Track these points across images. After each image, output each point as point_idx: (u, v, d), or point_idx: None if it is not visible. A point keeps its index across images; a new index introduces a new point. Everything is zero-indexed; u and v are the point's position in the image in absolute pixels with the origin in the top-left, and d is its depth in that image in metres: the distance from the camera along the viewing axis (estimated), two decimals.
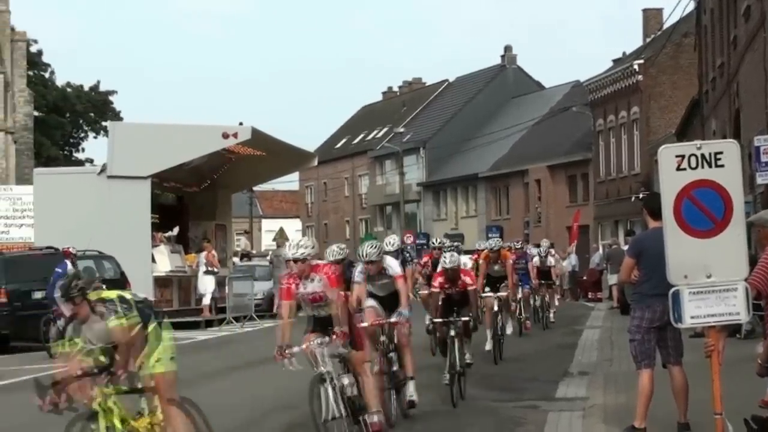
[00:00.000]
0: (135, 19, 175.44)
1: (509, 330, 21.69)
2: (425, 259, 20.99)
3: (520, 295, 24.34)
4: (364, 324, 12.65)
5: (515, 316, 24.27)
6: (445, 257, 15.70)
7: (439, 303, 15.26)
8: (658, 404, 10.72)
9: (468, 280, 15.44)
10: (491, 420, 13.09)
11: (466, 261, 18.91)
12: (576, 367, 18.12)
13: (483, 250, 21.74)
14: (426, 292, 19.63)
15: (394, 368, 13.10)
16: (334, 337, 11.24)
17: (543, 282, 27.02)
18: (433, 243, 20.28)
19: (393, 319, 13.04)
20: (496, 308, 19.87)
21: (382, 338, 13.00)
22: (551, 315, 28.02)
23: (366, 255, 13.01)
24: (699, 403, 10.17)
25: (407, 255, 17.54)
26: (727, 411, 9.23)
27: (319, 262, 11.83)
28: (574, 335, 24.43)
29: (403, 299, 13.10)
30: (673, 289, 9.38)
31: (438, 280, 15.41)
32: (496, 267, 20.58)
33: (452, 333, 14.71)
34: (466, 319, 15.06)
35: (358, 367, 11.76)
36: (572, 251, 45.67)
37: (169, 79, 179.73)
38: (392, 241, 17.25)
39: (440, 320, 15.04)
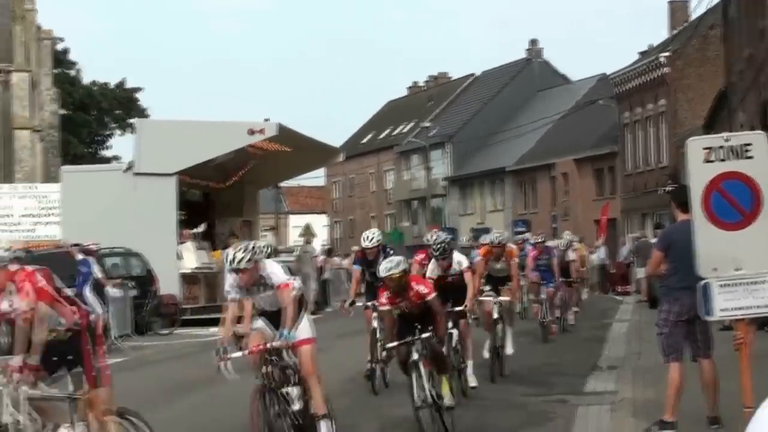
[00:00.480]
0: (160, 16, 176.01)
1: (509, 350, 17.02)
2: (421, 256, 16.77)
3: (543, 295, 22.54)
4: (237, 354, 10.41)
5: (539, 319, 22.48)
6: (382, 264, 12.08)
7: (393, 323, 11.83)
8: (688, 398, 10.67)
9: (422, 289, 11.82)
10: (520, 414, 13.08)
11: (461, 260, 14.82)
12: (604, 360, 18.07)
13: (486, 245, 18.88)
14: None
15: (295, 407, 10.38)
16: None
17: (562, 280, 23.92)
18: (428, 239, 16.83)
19: (275, 344, 10.30)
20: (496, 315, 16.74)
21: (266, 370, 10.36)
22: (571, 317, 25.44)
23: (233, 262, 10.21)
24: (729, 396, 10.13)
25: (390, 251, 15.26)
26: (756, 404, 9.18)
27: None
28: (603, 329, 24.37)
29: (288, 314, 10.23)
30: (702, 282, 9.34)
31: (384, 296, 11.78)
32: (498, 265, 17.43)
33: (414, 356, 11.51)
34: (427, 335, 11.60)
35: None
36: (601, 244, 45.57)
37: (195, 75, 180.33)
38: (370, 235, 15.50)
39: (394, 344, 11.62)
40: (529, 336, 22.04)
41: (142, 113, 73.72)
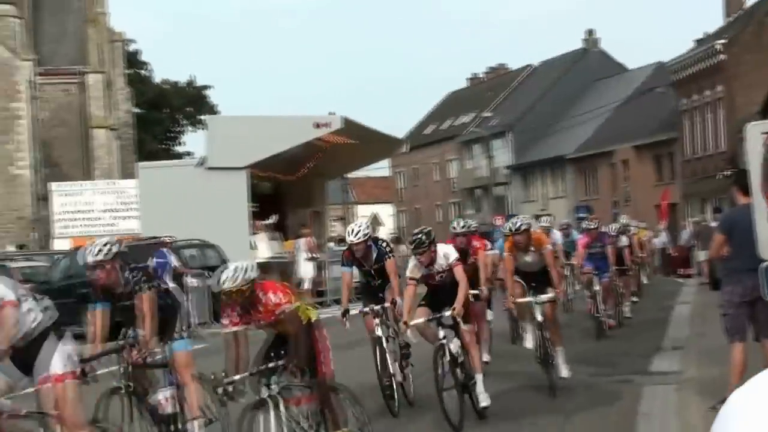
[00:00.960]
0: (226, 17, 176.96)
1: (564, 372, 13.66)
2: (477, 242, 15.50)
3: (597, 287, 19.76)
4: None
5: (592, 314, 19.73)
6: (219, 274, 9.37)
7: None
8: (751, 377, 10.64)
9: (274, 298, 9.19)
10: (588, 395, 13.11)
11: (448, 252, 12.05)
12: (669, 341, 18.02)
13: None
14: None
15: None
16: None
17: (615, 268, 21.01)
18: (454, 228, 15.12)
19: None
20: (539, 317, 13.62)
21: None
22: (627, 309, 22.59)
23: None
24: None
25: (382, 245, 13.22)
26: None
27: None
28: (666, 311, 24.25)
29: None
30: (763, 264, 9.35)
31: (228, 315, 9.31)
32: (528, 258, 13.98)
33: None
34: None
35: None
36: (663, 228, 45.39)
37: (261, 71, 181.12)
38: (355, 229, 12.88)
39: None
40: (578, 329, 20.09)
41: (211, 110, 74.31)
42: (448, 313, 11.47)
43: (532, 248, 13.83)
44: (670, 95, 60.38)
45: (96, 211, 39.79)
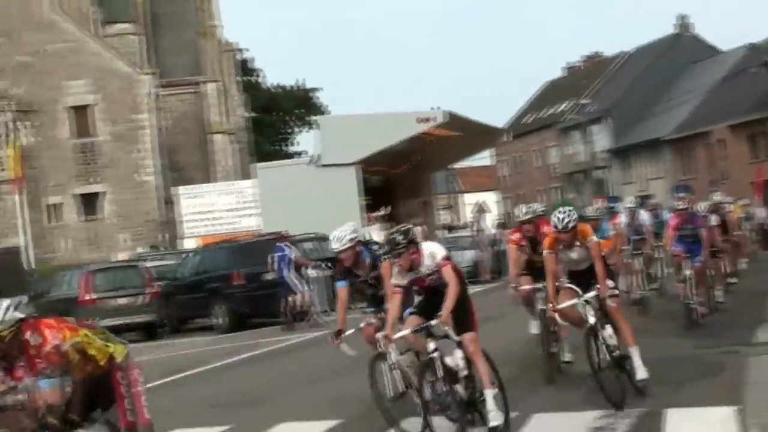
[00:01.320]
0: (329, 19, 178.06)
1: (642, 373, 11.04)
2: (516, 235, 13.63)
3: (688, 271, 16.92)
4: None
5: (683, 301, 16.91)
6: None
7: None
8: None
9: (38, 339, 7.22)
10: (694, 366, 12.92)
11: (435, 251, 9.69)
12: None
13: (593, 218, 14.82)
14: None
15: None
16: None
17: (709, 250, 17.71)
18: (518, 216, 13.45)
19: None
20: (591, 319, 10.85)
21: None
22: (719, 294, 19.29)
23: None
24: None
25: (374, 248, 10.93)
26: None
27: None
28: (766, 284, 23.76)
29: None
30: None
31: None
32: (574, 254, 11.22)
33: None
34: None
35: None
36: (760, 205, 44.62)
37: (364, 67, 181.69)
38: (339, 235, 10.58)
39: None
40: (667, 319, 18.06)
41: (319, 110, 74.94)
42: (435, 322, 9.37)
43: (578, 243, 11.12)
44: (763, 75, 59.28)
45: (218, 211, 40.42)
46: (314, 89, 78.92)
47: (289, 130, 79.94)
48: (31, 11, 52.50)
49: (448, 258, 9.59)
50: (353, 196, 32.16)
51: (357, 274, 10.80)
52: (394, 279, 9.57)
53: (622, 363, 10.82)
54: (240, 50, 70.03)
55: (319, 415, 11.93)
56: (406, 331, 9.59)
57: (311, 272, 25.94)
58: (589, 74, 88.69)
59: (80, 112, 53.52)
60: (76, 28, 53.55)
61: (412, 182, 38.39)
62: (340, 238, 10.49)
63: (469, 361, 9.45)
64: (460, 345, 9.46)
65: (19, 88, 52.69)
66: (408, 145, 34.65)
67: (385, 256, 9.89)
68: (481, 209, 45.01)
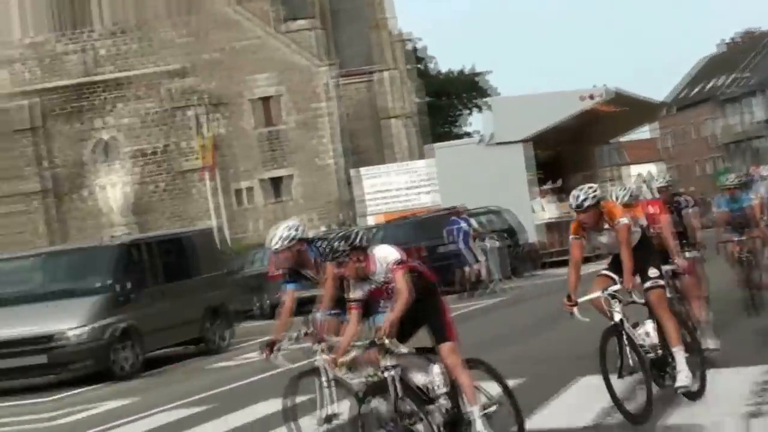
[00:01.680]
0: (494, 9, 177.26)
1: (685, 379, 8.66)
2: (653, 208, 11.00)
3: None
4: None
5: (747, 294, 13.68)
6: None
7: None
8: None
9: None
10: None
11: (388, 254, 7.67)
12: None
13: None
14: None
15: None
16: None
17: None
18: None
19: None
20: (617, 316, 8.51)
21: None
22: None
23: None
24: None
25: (320, 245, 8.69)
26: None
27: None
28: None
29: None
30: None
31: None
32: (604, 239, 8.93)
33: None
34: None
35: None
36: None
37: (526, 49, 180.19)
38: (277, 233, 8.65)
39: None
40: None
41: (487, 93, 74.86)
42: (377, 340, 7.40)
43: (606, 225, 8.79)
44: None
45: (395, 190, 40.90)
46: (481, 73, 78.92)
47: (458, 113, 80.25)
48: (217, 12, 53.91)
49: (400, 262, 7.57)
50: (521, 171, 32.52)
51: (305, 275, 8.94)
52: (351, 293, 7.68)
53: (663, 365, 8.70)
54: (410, 40, 70.55)
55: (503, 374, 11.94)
56: (351, 354, 7.60)
57: (487, 243, 26.01)
58: (746, 49, 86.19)
59: (265, 103, 54.81)
60: (258, 25, 54.79)
61: (577, 157, 38.27)
62: (281, 236, 8.52)
63: (455, 377, 7.66)
64: (433, 360, 7.68)
65: (208, 84, 54.26)
66: (575, 121, 34.59)
67: (329, 257, 7.81)
68: (644, 180, 44.31)
